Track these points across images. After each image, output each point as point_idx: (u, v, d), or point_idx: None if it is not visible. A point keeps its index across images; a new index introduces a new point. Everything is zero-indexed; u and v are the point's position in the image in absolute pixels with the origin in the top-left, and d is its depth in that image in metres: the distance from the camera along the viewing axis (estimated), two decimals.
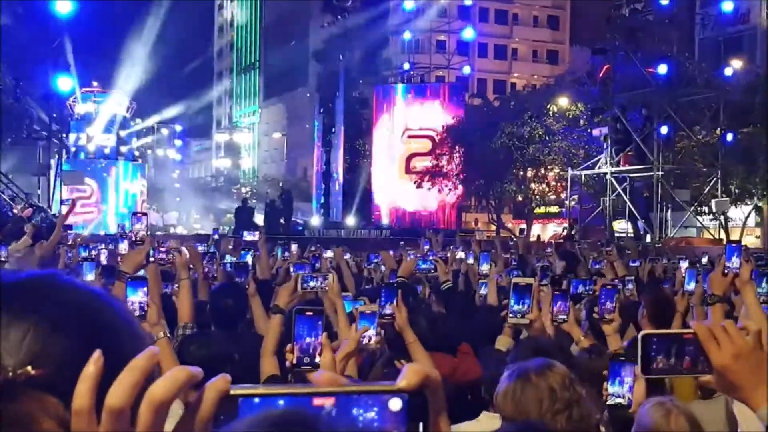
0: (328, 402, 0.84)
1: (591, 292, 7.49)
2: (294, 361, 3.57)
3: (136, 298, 4.67)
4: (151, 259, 6.03)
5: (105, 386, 0.90)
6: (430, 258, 9.10)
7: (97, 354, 0.92)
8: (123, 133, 45.44)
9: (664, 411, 3.39)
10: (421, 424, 0.86)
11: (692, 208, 33.40)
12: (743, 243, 5.11)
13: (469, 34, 52.15)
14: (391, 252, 12.35)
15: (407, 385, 0.85)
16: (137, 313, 4.59)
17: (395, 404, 0.84)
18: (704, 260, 14.09)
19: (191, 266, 7.09)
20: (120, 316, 1.12)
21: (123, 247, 9.39)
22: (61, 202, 28.65)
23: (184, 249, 6.66)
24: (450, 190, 43.91)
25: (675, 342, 1.99)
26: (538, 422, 3.08)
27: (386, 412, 0.84)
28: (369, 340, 4.50)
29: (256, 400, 0.86)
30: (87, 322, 1.07)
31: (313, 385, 0.87)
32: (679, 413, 3.38)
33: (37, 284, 1.10)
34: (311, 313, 3.61)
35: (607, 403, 3.74)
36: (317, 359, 3.54)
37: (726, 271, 4.75)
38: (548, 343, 4.47)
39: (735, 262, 4.77)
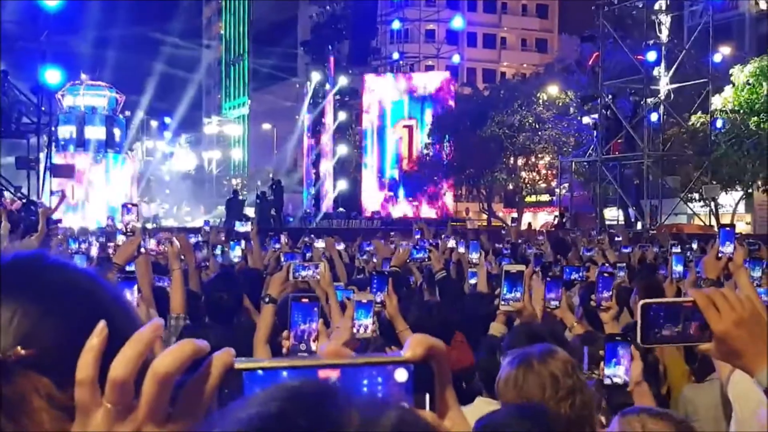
0: (333, 374, 0.82)
1: (583, 279, 7.51)
2: (290, 348, 3.58)
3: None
4: (142, 250, 6.01)
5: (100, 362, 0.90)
6: (425, 246, 9.14)
7: (101, 325, 0.92)
8: (112, 126, 45.28)
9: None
10: (427, 395, 0.84)
11: (682, 194, 33.45)
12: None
13: (458, 23, 52.14)
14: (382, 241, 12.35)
15: (413, 356, 0.83)
16: None
17: (401, 375, 0.83)
18: (695, 246, 14.15)
19: (182, 257, 7.07)
20: (110, 295, 1.11)
21: (121, 239, 9.37)
22: (51, 193, 28.58)
23: (175, 240, 6.63)
24: (438, 180, 44.01)
25: (674, 311, 1.98)
26: (538, 404, 3.07)
27: (392, 384, 0.83)
28: (365, 330, 4.49)
29: (260, 373, 0.85)
30: (76, 300, 1.06)
31: (317, 358, 0.85)
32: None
33: (25, 265, 1.09)
34: (307, 300, 3.62)
35: (604, 383, 3.73)
36: (313, 346, 3.55)
37: (719, 256, 4.75)
38: (541, 329, 4.46)
39: (728, 246, 4.76)
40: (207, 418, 0.84)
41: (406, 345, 0.85)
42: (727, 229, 5.00)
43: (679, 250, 11.69)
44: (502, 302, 5.03)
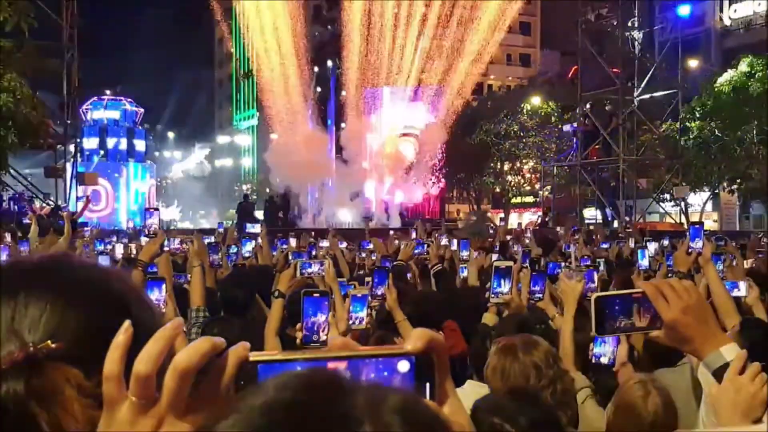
0: (341, 365, 0.82)
1: None
2: (302, 339, 3.60)
3: (153, 296, 4.61)
4: (166, 249, 6.01)
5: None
6: (426, 241, 9.22)
7: (126, 324, 0.92)
8: (132, 137, 45.36)
9: (643, 392, 3.40)
10: (427, 384, 0.84)
11: (655, 195, 33.50)
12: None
13: None
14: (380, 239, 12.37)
15: (414, 348, 0.84)
16: None
17: (403, 366, 0.83)
18: (665, 242, 14.17)
19: None
20: (129, 290, 1.12)
21: (144, 240, 9.42)
22: (77, 199, 28.61)
23: (195, 239, 6.65)
24: (434, 183, 43.98)
25: (626, 302, 1.96)
26: (530, 388, 3.09)
27: (395, 374, 0.83)
28: (360, 322, 4.51)
29: (274, 365, 0.85)
30: (99, 296, 1.07)
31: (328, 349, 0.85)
32: (657, 395, 3.40)
33: (51, 265, 1.10)
34: (318, 295, 3.65)
35: (592, 362, 3.76)
36: (323, 337, 3.57)
37: (689, 251, 4.77)
38: (529, 319, 4.48)
39: (698, 242, 4.78)
40: (224, 405, 0.83)
41: (409, 338, 0.85)
42: (696, 226, 5.02)
43: (654, 246, 11.76)
44: (493, 295, 5.05)
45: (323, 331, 3.60)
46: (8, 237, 11.56)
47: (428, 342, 0.84)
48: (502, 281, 5.02)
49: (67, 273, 1.09)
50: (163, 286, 4.69)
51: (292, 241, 12.48)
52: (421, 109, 46.21)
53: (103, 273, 1.13)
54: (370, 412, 0.70)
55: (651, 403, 3.36)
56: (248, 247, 9.98)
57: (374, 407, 0.70)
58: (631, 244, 14.11)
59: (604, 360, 3.84)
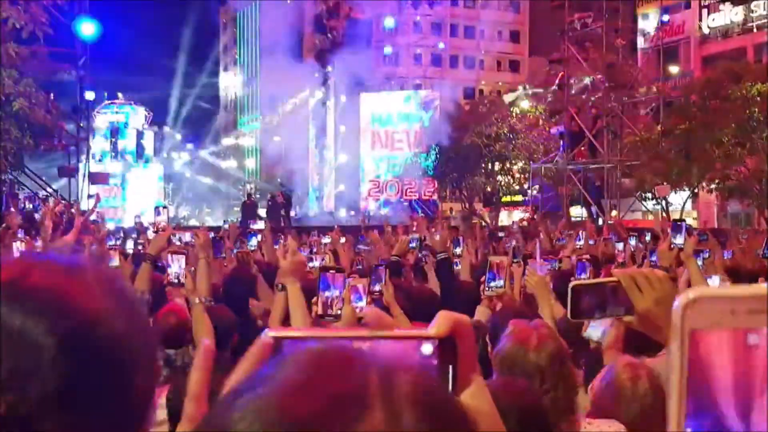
0: (365, 346, 0.79)
1: (556, 268, 7.55)
2: (319, 312, 3.68)
3: (173, 270, 4.78)
4: (177, 243, 6.05)
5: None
6: (419, 237, 9.28)
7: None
8: (141, 139, 45.34)
9: (632, 374, 3.32)
10: (450, 367, 0.81)
11: (637, 194, 33.55)
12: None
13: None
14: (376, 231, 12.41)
15: (437, 332, 0.80)
16: (175, 281, 4.73)
17: (427, 348, 0.80)
18: (647, 237, 14.20)
19: None
20: (103, 292, 0.88)
21: (150, 234, 9.46)
22: (89, 197, 28.64)
23: (200, 234, 6.67)
24: (425, 183, 44.13)
25: (602, 290, 1.97)
26: (526, 381, 3.02)
27: (418, 356, 0.80)
28: (360, 311, 4.53)
29: (299, 342, 0.80)
30: (64, 317, 0.84)
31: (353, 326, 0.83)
32: (646, 380, 3.30)
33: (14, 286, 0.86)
34: (333, 272, 3.74)
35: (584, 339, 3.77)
36: (337, 311, 3.65)
37: (672, 246, 4.77)
38: (523, 312, 4.47)
39: (679, 238, 4.79)
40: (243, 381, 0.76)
41: (434, 321, 0.81)
42: (679, 223, 5.03)
43: (635, 242, 11.83)
44: (487, 288, 5.05)
45: (336, 305, 3.67)
46: (22, 233, 11.54)
47: (452, 325, 0.81)
48: (496, 276, 5.03)
49: (28, 296, 0.84)
50: (184, 259, 4.84)
51: (293, 236, 12.49)
52: (416, 112, 46.30)
53: (69, 282, 0.88)
54: (381, 395, 0.65)
55: (641, 388, 3.28)
56: (253, 242, 10.04)
57: (386, 390, 0.65)
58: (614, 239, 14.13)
59: (593, 344, 3.86)
